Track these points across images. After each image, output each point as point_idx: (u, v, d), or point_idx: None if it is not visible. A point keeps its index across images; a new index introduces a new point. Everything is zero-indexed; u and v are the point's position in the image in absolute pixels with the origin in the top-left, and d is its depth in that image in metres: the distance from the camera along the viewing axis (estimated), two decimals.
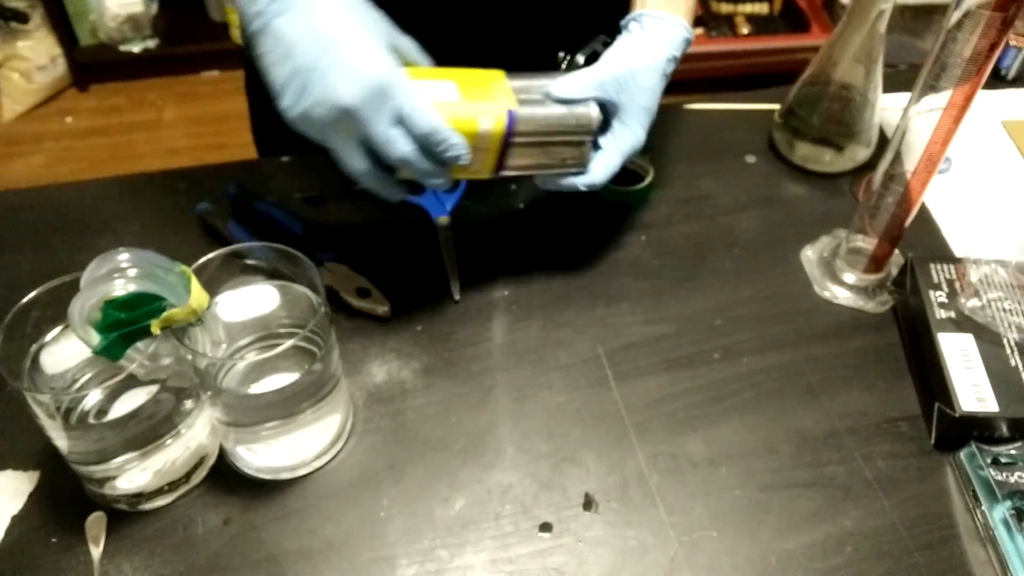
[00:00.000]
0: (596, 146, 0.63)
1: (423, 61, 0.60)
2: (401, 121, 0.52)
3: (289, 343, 0.50)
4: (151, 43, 2.19)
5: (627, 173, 0.74)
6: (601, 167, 0.63)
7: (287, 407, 0.54)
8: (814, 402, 0.62)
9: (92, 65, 2.20)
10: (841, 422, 0.61)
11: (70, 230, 0.73)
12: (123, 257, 0.45)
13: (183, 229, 0.73)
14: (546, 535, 0.55)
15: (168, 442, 0.55)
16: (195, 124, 2.18)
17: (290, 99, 0.51)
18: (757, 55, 2.23)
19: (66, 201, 0.76)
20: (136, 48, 2.18)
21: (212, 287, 0.52)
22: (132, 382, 0.51)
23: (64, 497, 0.56)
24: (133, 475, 0.55)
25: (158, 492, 0.56)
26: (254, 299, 0.54)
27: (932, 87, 0.56)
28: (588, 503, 0.56)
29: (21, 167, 2.04)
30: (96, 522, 0.55)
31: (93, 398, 0.53)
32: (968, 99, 0.55)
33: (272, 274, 0.54)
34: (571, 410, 0.62)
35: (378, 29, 0.54)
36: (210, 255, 0.51)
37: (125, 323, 0.46)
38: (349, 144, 0.53)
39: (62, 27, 2.08)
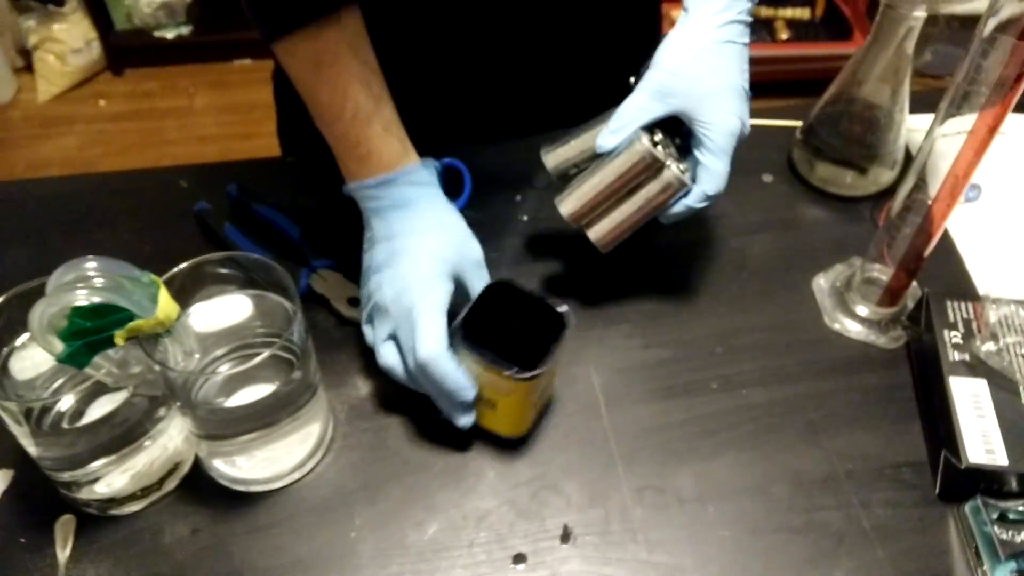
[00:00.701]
0: (691, 154, 0.60)
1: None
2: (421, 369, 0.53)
3: (265, 355, 0.49)
4: (184, 30, 2.20)
5: None
6: (708, 178, 0.59)
7: (262, 419, 0.53)
8: (814, 441, 0.59)
9: (126, 50, 2.22)
10: (841, 464, 0.58)
11: (69, 224, 0.73)
12: (90, 266, 0.44)
13: (180, 228, 0.72)
14: (519, 567, 0.53)
15: (146, 444, 0.54)
16: (225, 112, 2.18)
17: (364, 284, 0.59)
18: (795, 62, 2.18)
19: (67, 194, 0.75)
20: (170, 34, 2.19)
21: (184, 297, 0.50)
22: (105, 387, 0.50)
23: (36, 497, 0.55)
24: (111, 478, 0.54)
25: (130, 498, 0.55)
26: (227, 309, 0.53)
27: (955, 113, 0.53)
28: (566, 535, 0.54)
29: (53, 148, 2.07)
30: (65, 525, 0.54)
31: (66, 403, 0.52)
32: (992, 129, 0.52)
33: (246, 283, 0.52)
34: (557, 435, 0.59)
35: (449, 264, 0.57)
36: (180, 266, 0.50)
37: (91, 331, 0.45)
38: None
39: (97, 11, 2.10)
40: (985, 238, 0.73)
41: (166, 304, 0.45)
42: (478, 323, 0.54)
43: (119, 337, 0.45)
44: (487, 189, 0.74)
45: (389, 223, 0.57)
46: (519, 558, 0.53)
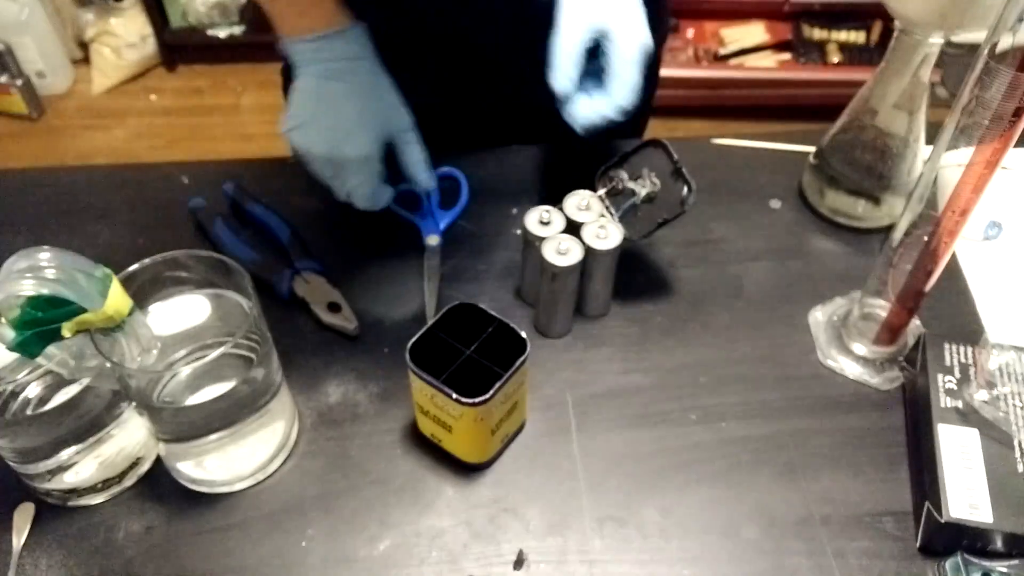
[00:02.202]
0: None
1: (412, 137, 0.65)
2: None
3: (218, 352, 0.49)
4: (237, 30, 2.25)
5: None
6: (621, 89, 0.57)
7: (223, 419, 0.52)
8: (791, 482, 0.56)
9: (180, 47, 2.28)
10: (817, 508, 0.55)
11: (69, 214, 0.74)
12: (43, 256, 0.44)
13: (176, 223, 0.72)
14: None
15: (113, 432, 0.54)
16: (270, 112, 2.22)
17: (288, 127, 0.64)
18: (845, 86, 2.11)
19: (71, 185, 0.77)
20: (222, 33, 2.24)
21: (143, 296, 0.50)
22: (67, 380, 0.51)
23: None
24: (81, 467, 0.54)
25: (91, 489, 0.55)
26: (187, 309, 0.52)
27: (955, 145, 0.50)
28: (520, 561, 0.52)
29: (102, 139, 2.13)
30: (23, 513, 0.55)
31: (31, 392, 0.52)
32: (991, 163, 0.49)
33: (206, 282, 0.52)
34: (524, 458, 0.58)
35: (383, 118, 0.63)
36: (138, 263, 0.49)
37: (43, 322, 0.45)
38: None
39: (154, 8, 2.15)
40: (1001, 280, 0.69)
41: (116, 299, 0.45)
42: (432, 344, 0.53)
43: (67, 329, 0.45)
44: (484, 200, 0.73)
45: (324, 80, 0.61)
46: None
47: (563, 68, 0.58)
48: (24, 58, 2.09)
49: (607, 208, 0.63)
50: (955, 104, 0.49)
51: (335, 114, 0.61)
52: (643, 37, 0.58)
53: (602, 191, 0.64)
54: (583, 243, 0.60)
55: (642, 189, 0.62)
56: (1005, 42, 0.45)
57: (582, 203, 0.62)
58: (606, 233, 0.60)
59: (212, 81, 2.32)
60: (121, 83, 2.26)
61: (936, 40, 0.62)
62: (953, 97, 0.67)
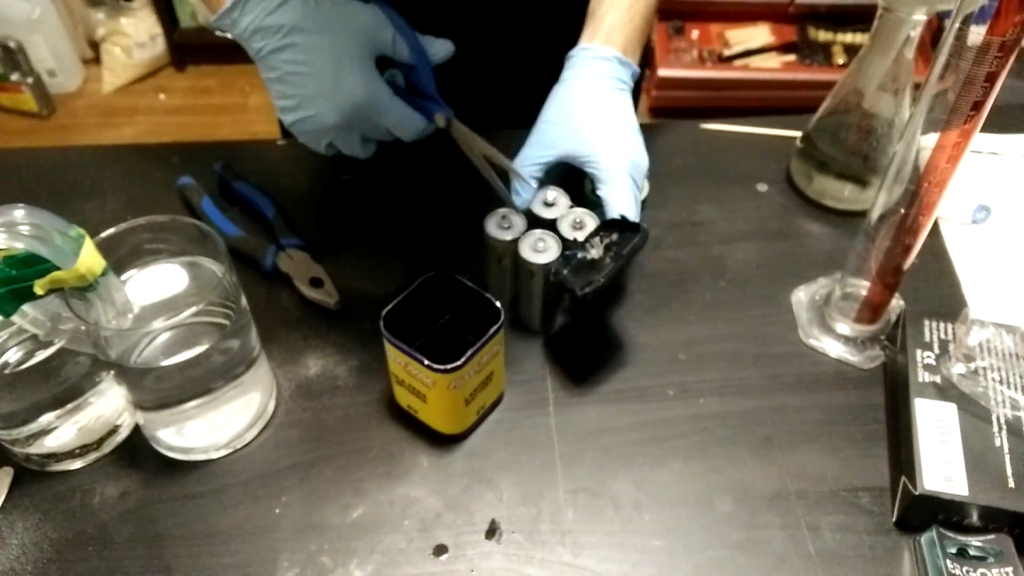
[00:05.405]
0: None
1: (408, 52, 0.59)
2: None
3: (189, 312, 0.49)
4: None
5: None
6: (613, 206, 0.57)
7: (200, 386, 0.53)
8: (767, 457, 0.56)
9: (189, 47, 2.30)
10: (793, 483, 0.54)
11: (61, 191, 0.75)
12: (18, 214, 0.45)
13: (164, 201, 0.73)
14: (441, 558, 0.51)
15: (91, 400, 0.55)
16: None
17: (289, 119, 0.57)
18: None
19: (65, 163, 0.78)
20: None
21: (122, 266, 0.51)
22: (50, 342, 0.51)
23: None
24: (60, 432, 0.55)
25: (70, 455, 0.56)
26: (163, 278, 0.53)
27: (931, 115, 0.50)
28: (492, 531, 0.52)
29: (111, 136, 2.15)
30: (1, 477, 0.55)
31: (11, 357, 0.53)
32: (966, 135, 0.48)
33: (183, 251, 0.53)
34: (501, 430, 0.58)
35: (359, 45, 0.56)
36: (118, 226, 0.50)
37: (18, 279, 0.45)
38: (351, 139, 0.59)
39: (164, 8, 2.18)
40: (987, 261, 0.69)
41: (89, 258, 0.46)
42: (406, 312, 0.54)
43: (39, 287, 0.45)
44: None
45: (275, 55, 0.54)
46: (440, 549, 0.52)
47: (517, 186, 0.61)
48: (35, 56, 2.12)
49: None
50: (929, 73, 0.48)
51: (313, 79, 0.54)
52: (619, 153, 0.58)
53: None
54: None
55: (592, 249, 0.56)
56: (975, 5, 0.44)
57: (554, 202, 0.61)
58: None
59: (221, 81, 2.34)
60: (131, 82, 2.28)
61: (919, 17, 0.62)
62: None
